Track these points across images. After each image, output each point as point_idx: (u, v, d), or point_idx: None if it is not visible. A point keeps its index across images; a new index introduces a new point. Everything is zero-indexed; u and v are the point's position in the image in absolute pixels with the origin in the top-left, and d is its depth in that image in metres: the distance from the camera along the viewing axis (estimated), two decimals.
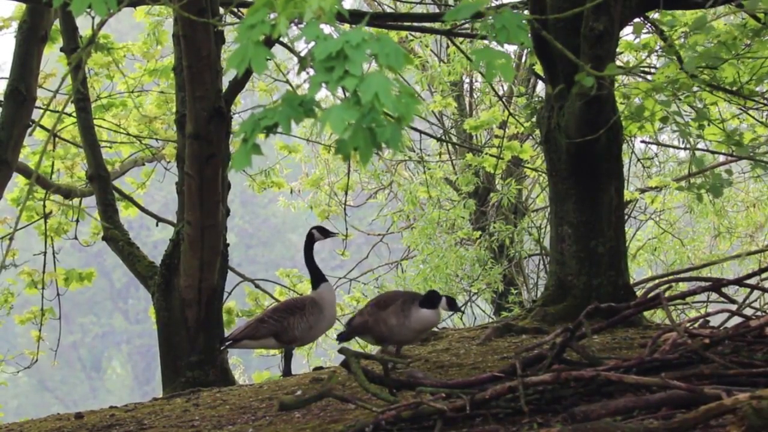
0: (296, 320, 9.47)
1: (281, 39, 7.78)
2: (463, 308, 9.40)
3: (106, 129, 15.85)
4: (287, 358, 9.76)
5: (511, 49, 19.61)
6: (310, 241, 9.63)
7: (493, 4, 14.07)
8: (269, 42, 10.72)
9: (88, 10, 4.33)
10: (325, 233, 9.65)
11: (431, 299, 8.49)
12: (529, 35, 10.60)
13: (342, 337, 9.01)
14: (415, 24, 13.80)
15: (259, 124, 4.03)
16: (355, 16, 13.19)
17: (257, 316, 9.89)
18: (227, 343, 9.80)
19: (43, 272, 14.79)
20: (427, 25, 13.55)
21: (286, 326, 9.47)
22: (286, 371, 9.75)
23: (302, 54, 4.03)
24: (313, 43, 3.93)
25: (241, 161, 4.10)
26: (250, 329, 9.62)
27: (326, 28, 3.94)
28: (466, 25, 12.55)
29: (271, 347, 9.86)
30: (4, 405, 16.94)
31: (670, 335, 6.28)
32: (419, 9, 15.78)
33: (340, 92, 4.05)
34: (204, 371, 10.64)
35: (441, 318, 9.30)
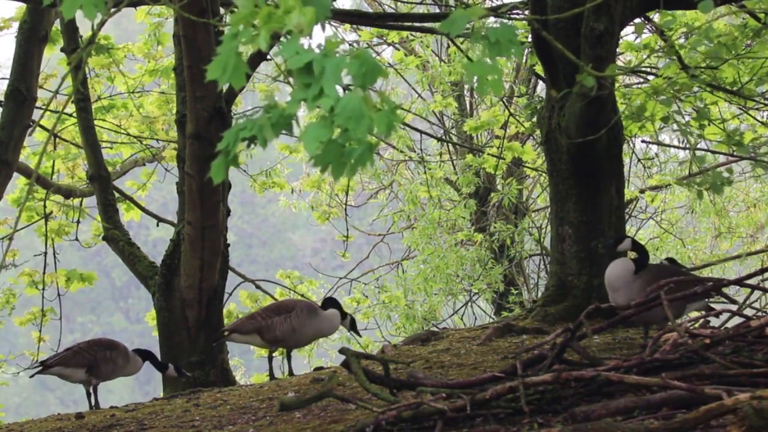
0: (280, 321, 9.50)
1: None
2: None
3: (106, 129, 15.85)
4: (269, 360, 9.79)
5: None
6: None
7: (494, 4, 14.09)
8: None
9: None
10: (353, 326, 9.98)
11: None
12: (530, 36, 10.57)
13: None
14: (416, 24, 13.81)
15: (239, 136, 4.04)
16: (353, 17, 13.22)
17: (251, 313, 9.97)
18: (219, 336, 9.94)
19: (44, 273, 14.79)
20: (428, 25, 13.55)
21: (269, 325, 9.50)
22: (270, 374, 9.81)
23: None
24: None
25: (219, 173, 4.12)
26: (239, 323, 9.70)
27: (313, 41, 3.95)
28: (467, 26, 12.53)
29: (258, 345, 9.86)
30: (5, 404, 16.93)
31: (671, 335, 6.28)
32: (420, 9, 15.77)
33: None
34: (204, 371, 10.65)
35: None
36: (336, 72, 3.88)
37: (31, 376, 9.42)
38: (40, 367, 9.22)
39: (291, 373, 9.61)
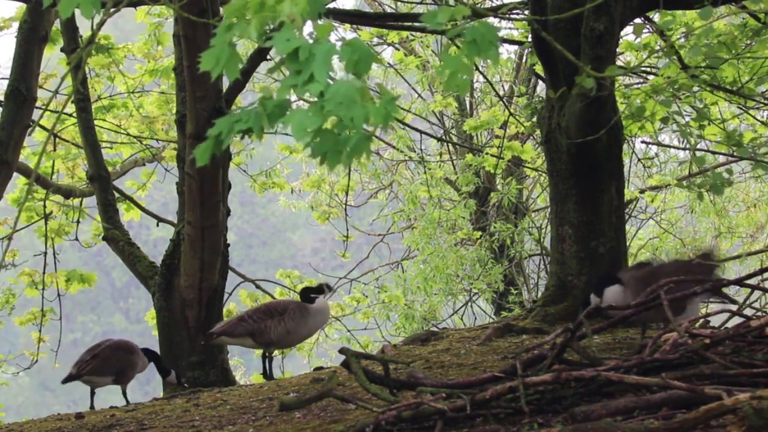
0: (274, 324, 9.46)
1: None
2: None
3: (106, 129, 15.85)
4: (269, 361, 9.76)
5: (512, 48, 19.61)
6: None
7: (494, 4, 14.08)
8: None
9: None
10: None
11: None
12: (530, 36, 10.56)
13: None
14: (416, 24, 13.82)
15: (234, 128, 4.01)
16: (353, 17, 13.21)
17: (239, 314, 9.91)
18: (206, 339, 9.87)
19: (44, 273, 14.79)
20: (428, 24, 13.54)
21: (262, 328, 9.45)
22: (270, 375, 9.77)
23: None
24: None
25: (203, 157, 4.08)
26: (229, 326, 9.60)
27: (305, 30, 3.91)
28: (467, 25, 12.52)
29: (249, 346, 9.80)
30: (5, 404, 16.93)
31: (671, 335, 6.28)
32: (420, 9, 15.77)
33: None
34: (204, 371, 10.65)
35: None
36: (326, 57, 3.83)
37: (64, 383, 9.46)
38: (69, 376, 9.28)
39: (271, 377, 9.60)
